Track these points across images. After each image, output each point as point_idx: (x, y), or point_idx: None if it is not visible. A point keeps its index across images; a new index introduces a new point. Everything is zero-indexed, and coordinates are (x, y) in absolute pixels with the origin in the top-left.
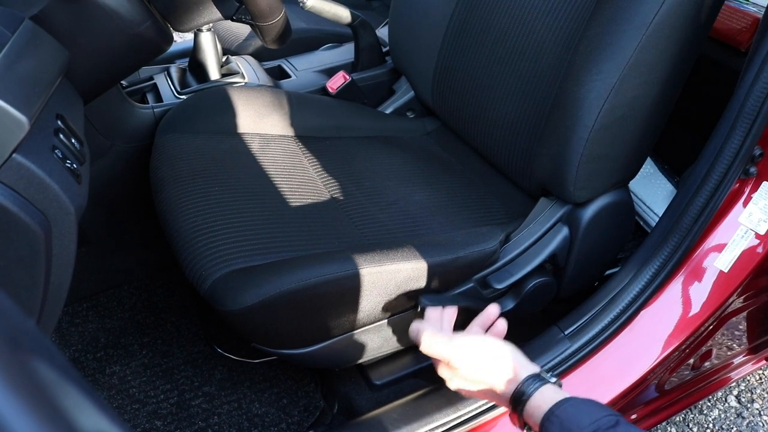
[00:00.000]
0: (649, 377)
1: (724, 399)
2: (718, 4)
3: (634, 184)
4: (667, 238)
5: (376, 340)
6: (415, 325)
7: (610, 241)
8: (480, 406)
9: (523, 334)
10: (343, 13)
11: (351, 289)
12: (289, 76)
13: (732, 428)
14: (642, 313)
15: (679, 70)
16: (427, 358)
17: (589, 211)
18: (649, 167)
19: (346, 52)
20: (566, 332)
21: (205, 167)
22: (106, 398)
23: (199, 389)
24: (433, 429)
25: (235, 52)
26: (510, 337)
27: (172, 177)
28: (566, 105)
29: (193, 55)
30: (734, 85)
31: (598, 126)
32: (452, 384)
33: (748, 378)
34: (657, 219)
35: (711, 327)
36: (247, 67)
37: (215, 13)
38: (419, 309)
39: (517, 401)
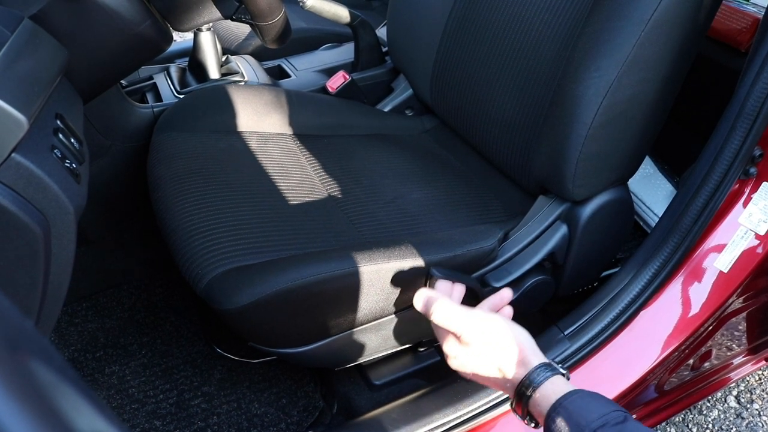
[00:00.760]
0: (648, 377)
1: (723, 399)
2: (717, 1)
3: (633, 185)
4: (666, 238)
5: (375, 339)
6: (424, 293)
7: (610, 239)
8: (480, 406)
9: None
10: (343, 13)
11: (348, 288)
12: (289, 76)
13: (731, 428)
14: (642, 313)
15: (678, 67)
16: (426, 358)
17: (588, 209)
18: (648, 167)
19: (345, 52)
20: (566, 332)
21: (201, 166)
22: (105, 398)
23: (198, 389)
24: (432, 429)
25: (235, 52)
26: None
27: (168, 176)
28: (564, 102)
29: (192, 54)
30: (734, 85)
31: (596, 123)
32: (455, 362)
33: (748, 378)
34: (657, 219)
35: (711, 327)
36: (246, 67)
37: (215, 13)
38: (428, 281)
39: (525, 387)
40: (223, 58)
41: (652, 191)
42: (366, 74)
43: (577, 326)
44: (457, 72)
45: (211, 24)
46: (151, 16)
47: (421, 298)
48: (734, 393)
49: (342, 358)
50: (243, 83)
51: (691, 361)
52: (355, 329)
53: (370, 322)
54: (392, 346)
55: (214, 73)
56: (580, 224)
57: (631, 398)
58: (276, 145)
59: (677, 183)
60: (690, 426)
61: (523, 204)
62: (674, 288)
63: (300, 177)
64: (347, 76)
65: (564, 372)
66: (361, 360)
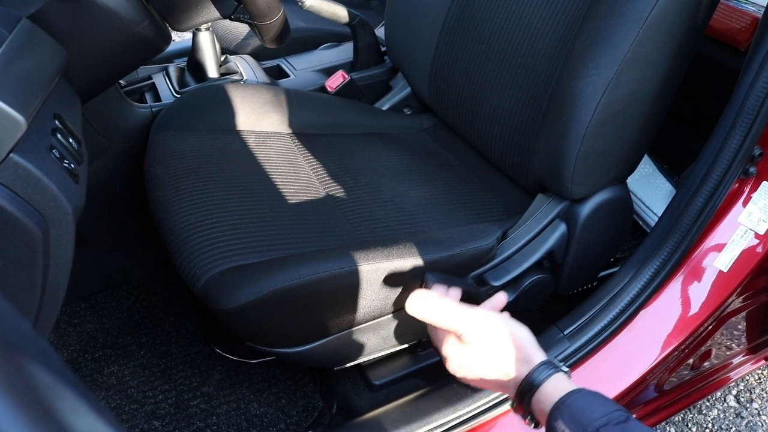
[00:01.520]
0: (648, 377)
1: (723, 399)
2: None
3: (633, 184)
4: (666, 238)
5: (374, 339)
6: (421, 294)
7: (609, 237)
8: (479, 406)
9: None
10: (342, 13)
11: (346, 287)
12: (288, 76)
13: (731, 428)
14: (641, 313)
15: (677, 65)
16: (426, 358)
17: (587, 208)
18: (648, 167)
19: (344, 52)
20: (565, 332)
21: (199, 165)
22: (104, 398)
23: (197, 389)
24: (432, 429)
25: (234, 52)
26: None
27: (166, 175)
28: (563, 100)
29: (191, 54)
30: (734, 84)
31: (595, 121)
32: (453, 364)
33: (747, 378)
34: (656, 219)
35: (710, 327)
36: (245, 67)
37: (214, 13)
38: (422, 286)
39: (529, 386)
40: (222, 58)
41: (651, 191)
42: (365, 74)
43: (577, 326)
44: (455, 70)
45: (209, 24)
46: (149, 16)
47: (414, 299)
48: (734, 392)
49: (341, 357)
50: (242, 83)
51: (690, 361)
52: (353, 328)
53: (369, 321)
54: (391, 346)
55: (212, 72)
56: (579, 223)
57: (630, 398)
58: (274, 144)
59: (677, 182)
60: (690, 425)
61: (522, 202)
62: (674, 287)
63: (298, 176)
64: (346, 76)
65: (566, 370)
66: (361, 359)
